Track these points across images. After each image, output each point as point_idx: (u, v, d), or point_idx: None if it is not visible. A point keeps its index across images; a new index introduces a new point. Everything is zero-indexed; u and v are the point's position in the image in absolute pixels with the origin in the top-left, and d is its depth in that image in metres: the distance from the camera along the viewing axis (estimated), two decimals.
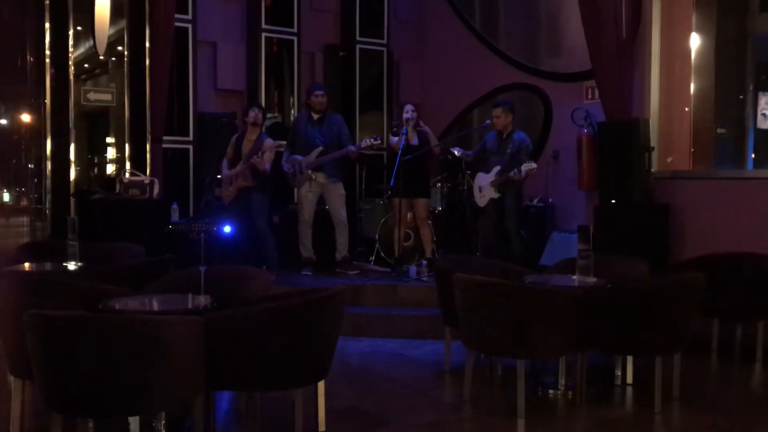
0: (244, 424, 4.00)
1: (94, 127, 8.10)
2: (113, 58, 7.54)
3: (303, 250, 7.00)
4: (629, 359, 4.60)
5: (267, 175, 6.71)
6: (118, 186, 6.86)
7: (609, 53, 6.53)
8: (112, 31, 7.14)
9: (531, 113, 8.11)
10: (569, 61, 7.64)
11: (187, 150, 7.79)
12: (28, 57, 7.01)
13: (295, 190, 7.24)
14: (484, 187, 6.68)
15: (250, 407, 4.01)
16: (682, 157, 6.86)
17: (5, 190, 7.70)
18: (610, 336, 4.18)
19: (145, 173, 7.01)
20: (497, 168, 6.58)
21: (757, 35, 6.89)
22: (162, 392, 3.08)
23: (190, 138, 7.82)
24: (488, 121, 6.75)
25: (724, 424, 3.98)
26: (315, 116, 6.92)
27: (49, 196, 6.91)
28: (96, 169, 8.22)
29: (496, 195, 6.61)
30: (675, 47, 6.74)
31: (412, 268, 6.78)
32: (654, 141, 6.55)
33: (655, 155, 6.54)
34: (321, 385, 3.70)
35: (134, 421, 3.29)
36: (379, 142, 7.02)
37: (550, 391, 4.56)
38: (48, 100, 6.86)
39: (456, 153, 6.89)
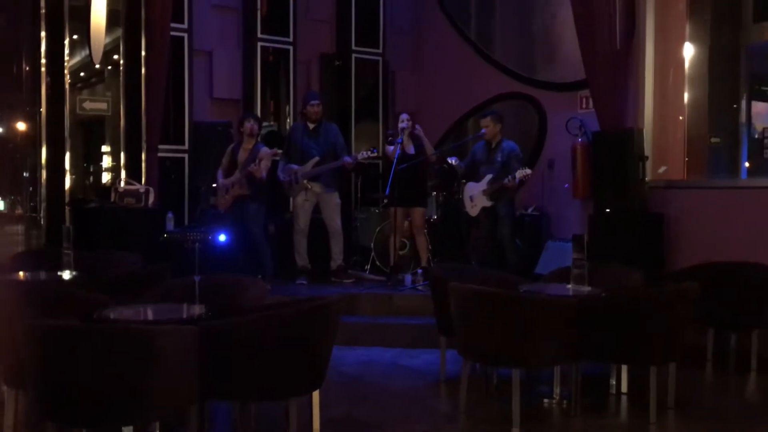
0: None
1: (90, 135, 8.10)
2: (109, 67, 7.55)
3: (298, 259, 7.01)
4: (624, 368, 4.61)
5: (263, 184, 6.73)
6: (113, 195, 6.84)
7: (603, 63, 6.55)
8: (107, 39, 7.13)
9: (526, 122, 8.12)
10: (564, 71, 7.66)
11: (183, 159, 7.79)
12: (24, 65, 6.99)
13: (291, 199, 7.25)
14: (476, 196, 6.70)
15: (244, 417, 3.98)
16: (676, 167, 6.87)
17: (0, 199, 7.67)
18: (605, 345, 4.18)
19: (140, 182, 7.00)
20: (489, 176, 6.60)
21: (750, 45, 6.93)
22: (156, 402, 3.07)
23: (186, 147, 7.81)
24: (483, 130, 6.77)
25: None
26: (310, 126, 6.95)
27: (44, 205, 6.87)
28: (91, 178, 8.21)
29: (488, 203, 6.62)
30: (669, 57, 6.77)
31: (408, 277, 6.78)
32: (648, 150, 6.56)
33: (649, 164, 6.56)
34: (316, 394, 3.69)
35: (128, 431, 3.27)
36: (375, 154, 7.06)
37: (546, 401, 4.57)
38: (43, 109, 6.84)
39: (452, 163, 6.91)
